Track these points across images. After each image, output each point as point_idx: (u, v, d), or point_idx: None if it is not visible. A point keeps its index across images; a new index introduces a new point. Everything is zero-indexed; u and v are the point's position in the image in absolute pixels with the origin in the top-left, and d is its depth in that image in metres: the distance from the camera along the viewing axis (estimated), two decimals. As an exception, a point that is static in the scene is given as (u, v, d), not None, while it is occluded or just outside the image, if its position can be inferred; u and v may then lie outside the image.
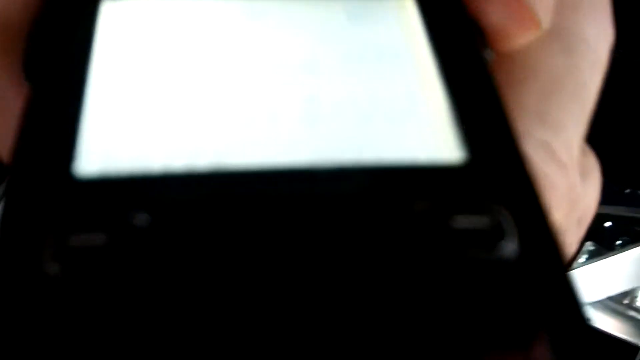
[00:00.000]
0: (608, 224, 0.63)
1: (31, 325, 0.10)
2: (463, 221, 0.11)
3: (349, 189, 0.12)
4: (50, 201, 0.11)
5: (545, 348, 0.10)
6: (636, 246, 0.61)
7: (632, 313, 0.61)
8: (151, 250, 0.11)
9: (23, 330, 0.10)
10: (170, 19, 0.16)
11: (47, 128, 0.12)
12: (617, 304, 0.61)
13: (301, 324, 0.10)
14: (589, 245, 0.62)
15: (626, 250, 0.61)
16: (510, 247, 0.11)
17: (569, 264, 0.13)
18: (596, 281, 0.60)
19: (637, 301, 0.62)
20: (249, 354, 0.10)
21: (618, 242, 0.62)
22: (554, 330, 0.10)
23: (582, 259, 0.61)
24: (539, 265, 0.11)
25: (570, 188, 0.17)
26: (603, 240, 0.62)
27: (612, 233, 0.63)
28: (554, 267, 0.11)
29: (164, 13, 0.16)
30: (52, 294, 0.10)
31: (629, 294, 0.62)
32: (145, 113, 0.13)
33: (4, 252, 0.11)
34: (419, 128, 0.13)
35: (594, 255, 0.61)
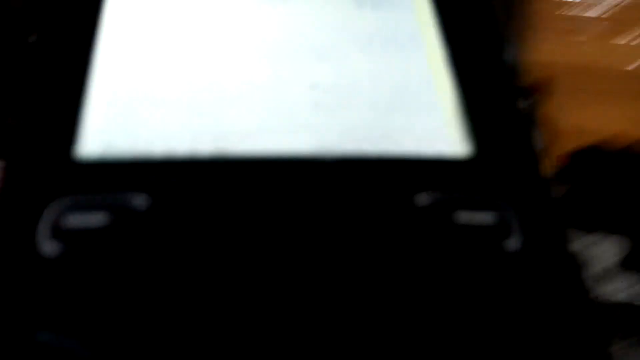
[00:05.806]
0: None
1: (26, 302, 0.10)
2: (467, 216, 0.11)
3: (351, 180, 0.12)
4: (50, 181, 0.11)
5: (553, 345, 0.10)
6: None
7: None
8: (148, 233, 0.11)
9: (17, 306, 0.10)
10: (178, 4, 0.15)
11: (49, 110, 0.12)
12: None
13: (301, 313, 0.10)
14: None
15: None
16: (514, 245, 0.11)
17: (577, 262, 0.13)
18: None
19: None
20: (243, 332, 0.10)
21: None
22: (560, 329, 0.10)
23: None
24: (543, 264, 0.11)
25: None
26: None
27: None
28: (558, 266, 0.11)
29: None
30: (47, 273, 0.10)
31: None
32: (148, 97, 0.13)
33: (1, 231, 0.11)
34: (426, 119, 0.13)
35: None
